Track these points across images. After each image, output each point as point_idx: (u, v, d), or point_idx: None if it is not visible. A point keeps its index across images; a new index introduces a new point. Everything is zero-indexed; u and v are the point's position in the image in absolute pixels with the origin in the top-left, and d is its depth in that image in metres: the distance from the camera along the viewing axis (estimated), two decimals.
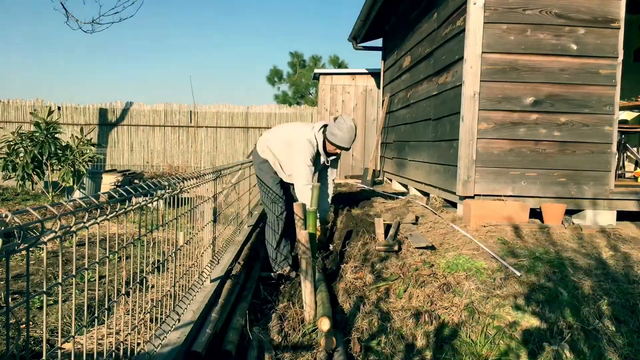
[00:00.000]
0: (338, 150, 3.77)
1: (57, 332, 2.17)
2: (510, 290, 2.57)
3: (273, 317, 2.93)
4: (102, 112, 12.30)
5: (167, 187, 1.92)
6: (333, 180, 4.13)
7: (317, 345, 2.42)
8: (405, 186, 6.37)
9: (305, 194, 3.57)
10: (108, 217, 1.43)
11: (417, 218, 4.14)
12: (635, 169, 5.77)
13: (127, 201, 1.53)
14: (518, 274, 2.71)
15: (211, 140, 12.49)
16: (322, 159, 3.86)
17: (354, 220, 4.56)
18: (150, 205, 1.78)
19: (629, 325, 2.31)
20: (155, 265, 2.00)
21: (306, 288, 2.76)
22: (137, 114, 12.38)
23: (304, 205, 3.15)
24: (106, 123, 12.29)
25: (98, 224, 1.32)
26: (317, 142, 3.74)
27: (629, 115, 6.30)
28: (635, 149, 5.66)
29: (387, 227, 3.87)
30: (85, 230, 1.27)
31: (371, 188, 6.81)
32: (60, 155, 6.20)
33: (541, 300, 2.47)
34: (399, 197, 5.62)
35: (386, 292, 2.85)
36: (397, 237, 3.61)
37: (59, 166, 6.22)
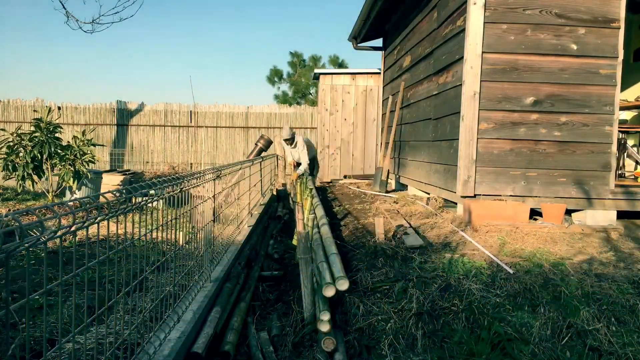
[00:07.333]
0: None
1: (57, 332, 2.17)
2: (511, 291, 2.57)
3: (273, 317, 2.92)
4: (104, 112, 12.30)
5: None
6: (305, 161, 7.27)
7: (317, 346, 2.42)
8: (406, 186, 6.36)
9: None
10: (108, 217, 1.43)
11: (416, 217, 4.14)
12: (635, 168, 5.77)
13: (128, 200, 1.53)
14: (517, 274, 2.71)
15: (211, 140, 12.49)
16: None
17: (354, 217, 4.56)
18: (151, 204, 1.78)
19: (629, 325, 2.31)
20: (155, 265, 2.00)
21: (306, 288, 2.75)
22: (137, 113, 12.38)
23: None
24: (106, 123, 12.30)
25: (97, 223, 1.32)
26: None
27: (629, 115, 6.30)
28: (635, 149, 5.66)
29: (387, 227, 3.87)
30: (86, 230, 1.27)
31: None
32: (62, 155, 6.19)
33: (542, 301, 2.47)
34: (398, 196, 5.61)
35: (386, 292, 2.85)
36: (398, 237, 3.61)
37: (59, 166, 6.22)
